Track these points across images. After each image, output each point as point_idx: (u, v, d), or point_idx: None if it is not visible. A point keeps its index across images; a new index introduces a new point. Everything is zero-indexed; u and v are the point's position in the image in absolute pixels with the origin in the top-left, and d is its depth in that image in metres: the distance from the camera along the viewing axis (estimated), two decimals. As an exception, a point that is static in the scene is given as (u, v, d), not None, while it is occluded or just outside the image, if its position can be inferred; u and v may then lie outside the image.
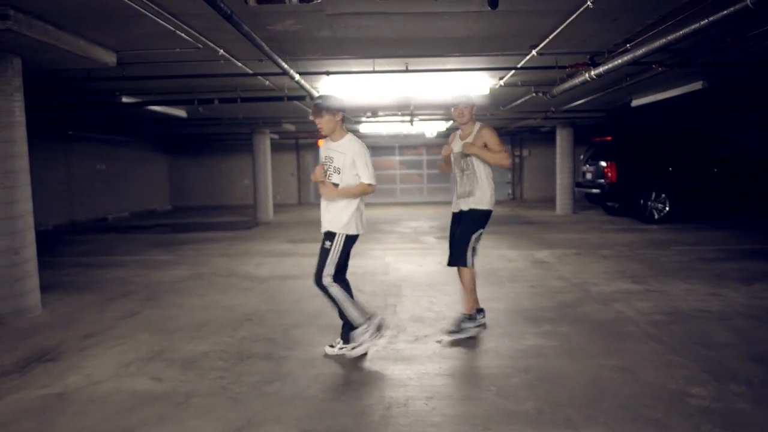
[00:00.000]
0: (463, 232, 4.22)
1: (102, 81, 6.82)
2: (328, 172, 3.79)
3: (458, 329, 4.20)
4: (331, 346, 3.88)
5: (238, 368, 3.63)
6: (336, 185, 3.75)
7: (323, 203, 3.84)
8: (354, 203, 3.78)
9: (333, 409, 3.00)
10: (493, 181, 4.29)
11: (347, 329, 3.79)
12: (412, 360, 3.73)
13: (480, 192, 4.21)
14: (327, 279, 3.70)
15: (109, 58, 5.59)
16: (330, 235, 3.74)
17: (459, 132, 4.42)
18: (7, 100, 4.89)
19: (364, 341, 3.71)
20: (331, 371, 3.56)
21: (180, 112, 10.46)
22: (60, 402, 3.16)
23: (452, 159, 4.39)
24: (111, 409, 3.04)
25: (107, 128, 13.88)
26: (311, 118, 3.78)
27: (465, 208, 4.27)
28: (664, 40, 4.48)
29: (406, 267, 7.17)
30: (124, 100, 8.38)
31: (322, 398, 3.14)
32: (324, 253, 3.73)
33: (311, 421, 2.85)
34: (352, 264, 7.44)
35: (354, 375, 3.49)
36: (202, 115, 10.94)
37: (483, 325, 4.34)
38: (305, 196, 20.24)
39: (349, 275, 6.57)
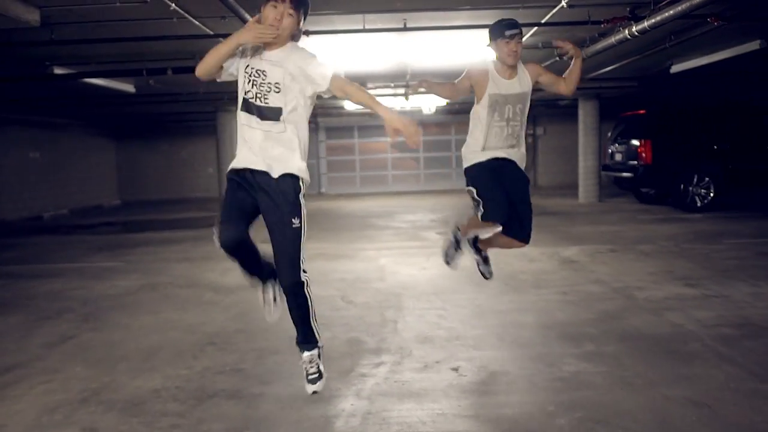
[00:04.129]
0: (528, 197, 4.13)
1: (27, 47, 6.37)
2: (254, 92, 2.99)
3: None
4: (312, 381, 3.23)
5: (198, 412, 3.22)
6: (278, 109, 2.97)
7: (254, 129, 3.01)
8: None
9: (323, 469, 2.62)
10: None
11: (307, 338, 3.23)
12: (423, 396, 3.35)
13: (521, 150, 4.07)
14: (305, 273, 3.08)
15: (31, 16, 5.13)
16: (289, 195, 2.99)
17: (493, 68, 3.92)
18: None
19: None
20: (319, 414, 3.17)
21: (127, 87, 10.03)
22: (-41, 466, 2.75)
23: (487, 103, 3.90)
24: (26, 475, 2.63)
25: (41, 108, 13.36)
26: (272, 8, 2.88)
27: (514, 157, 4.08)
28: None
29: (406, 270, 6.81)
30: (57, 71, 7.93)
31: (308, 453, 2.75)
32: (297, 236, 2.99)
33: (294, 489, 2.47)
34: (341, 269, 7.07)
35: (349, 419, 3.10)
36: (154, 89, 10.51)
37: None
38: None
39: (338, 282, 6.35)
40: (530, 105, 4.11)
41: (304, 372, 3.19)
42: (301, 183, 3.05)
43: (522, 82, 3.94)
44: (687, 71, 9.93)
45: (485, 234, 4.19)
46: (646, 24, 5.51)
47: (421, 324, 4.73)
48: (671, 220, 10.12)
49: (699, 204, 11.13)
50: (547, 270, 6.56)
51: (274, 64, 2.98)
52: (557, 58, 3.53)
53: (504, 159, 4.04)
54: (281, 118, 2.98)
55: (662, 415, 3.00)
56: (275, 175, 2.99)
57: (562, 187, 18.26)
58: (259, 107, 2.99)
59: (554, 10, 5.73)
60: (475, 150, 4.05)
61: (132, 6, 5.19)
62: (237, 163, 3.09)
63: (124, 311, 5.44)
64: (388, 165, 20.55)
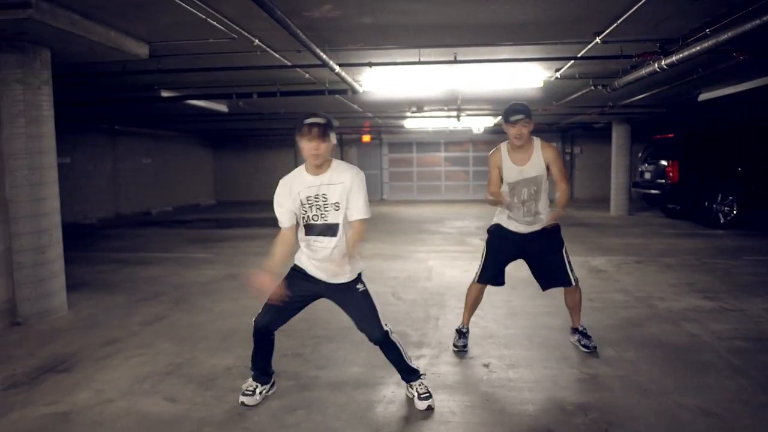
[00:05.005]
0: (557, 254, 3.77)
1: (138, 74, 6.61)
2: (311, 214, 2.87)
3: (588, 345, 3.88)
4: (424, 398, 3.01)
5: (261, 390, 3.25)
6: (336, 225, 2.87)
7: (314, 246, 2.91)
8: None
9: (362, 450, 2.58)
10: None
11: (409, 375, 3.09)
12: (456, 388, 3.27)
13: (544, 209, 3.73)
14: (386, 325, 3.00)
15: (141, 50, 5.33)
16: (353, 282, 2.99)
17: (507, 151, 3.75)
18: (34, 94, 4.68)
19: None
20: (363, 398, 3.14)
21: (221, 107, 10.28)
22: (63, 424, 2.86)
23: (506, 187, 3.76)
24: (116, 437, 2.71)
25: (152, 123, 13.95)
26: (307, 141, 2.72)
27: (534, 229, 3.72)
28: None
29: (450, 272, 6.70)
30: (164, 94, 8.22)
31: (350, 435, 2.72)
32: (367, 299, 2.99)
33: (336, 466, 2.44)
34: (394, 268, 7.00)
35: (389, 406, 3.06)
36: (243, 109, 10.75)
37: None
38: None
39: (391, 280, 6.30)
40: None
41: (416, 393, 3.02)
42: (357, 277, 2.99)
43: (535, 166, 3.64)
44: (713, 100, 9.39)
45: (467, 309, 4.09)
46: (674, 58, 5.22)
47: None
48: (695, 235, 9.59)
49: (722, 221, 10.51)
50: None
51: (331, 184, 2.83)
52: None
53: (529, 236, 3.74)
54: (338, 233, 2.86)
55: (672, 421, 2.82)
56: (335, 281, 2.95)
57: (595, 200, 17.65)
58: (318, 226, 2.87)
59: (589, 46, 5.50)
60: (504, 212, 3.85)
61: (223, 42, 5.30)
62: (300, 264, 3.01)
63: (209, 297, 5.56)
64: (441, 176, 20.39)
